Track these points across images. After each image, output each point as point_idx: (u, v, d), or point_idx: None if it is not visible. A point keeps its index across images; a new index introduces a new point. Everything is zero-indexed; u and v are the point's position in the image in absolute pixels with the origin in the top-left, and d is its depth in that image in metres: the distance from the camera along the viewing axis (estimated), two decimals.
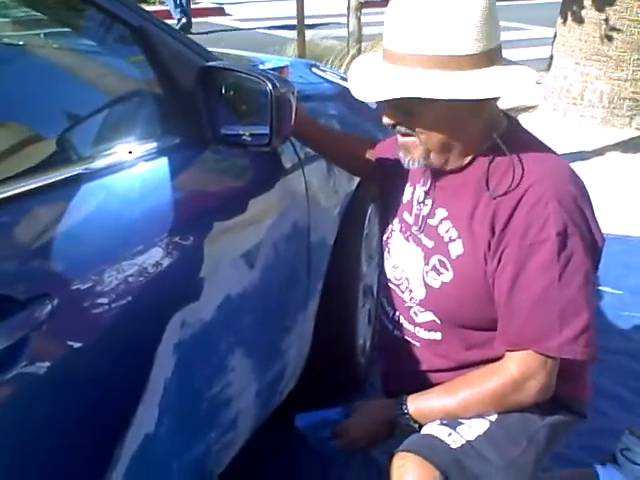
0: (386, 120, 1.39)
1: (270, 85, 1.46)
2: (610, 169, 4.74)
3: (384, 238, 1.62)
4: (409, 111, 1.35)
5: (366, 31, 6.11)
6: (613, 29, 5.58)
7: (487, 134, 1.39)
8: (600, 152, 5.14)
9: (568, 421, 1.50)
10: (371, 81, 1.36)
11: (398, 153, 1.44)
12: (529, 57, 6.03)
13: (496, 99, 1.38)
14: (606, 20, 5.58)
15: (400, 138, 1.40)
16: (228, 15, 12.38)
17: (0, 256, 1.04)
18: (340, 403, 1.55)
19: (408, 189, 1.58)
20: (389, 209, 1.64)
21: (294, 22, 5.84)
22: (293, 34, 6.49)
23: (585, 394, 1.56)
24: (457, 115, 1.35)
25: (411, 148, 1.39)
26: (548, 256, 1.31)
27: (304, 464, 2.07)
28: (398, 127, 1.38)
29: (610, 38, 5.61)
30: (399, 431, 1.44)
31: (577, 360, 1.35)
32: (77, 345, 1.11)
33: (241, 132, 1.53)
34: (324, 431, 1.49)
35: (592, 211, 1.38)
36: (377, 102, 1.39)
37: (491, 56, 1.32)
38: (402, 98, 1.30)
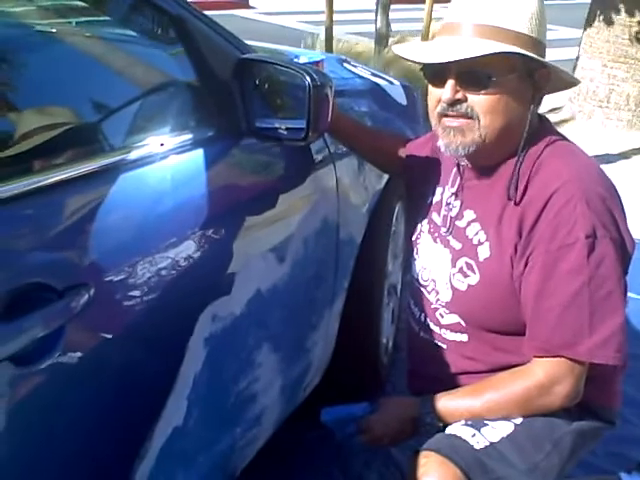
0: (449, 95, 1.31)
1: (309, 79, 1.44)
2: (635, 173, 4.69)
3: (413, 238, 1.61)
4: (484, 83, 1.30)
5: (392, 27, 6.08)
6: None
7: (524, 131, 1.37)
8: (625, 155, 5.09)
9: (596, 428, 1.48)
10: (455, 44, 1.30)
11: (440, 140, 1.38)
12: (555, 58, 5.95)
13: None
14: (635, 22, 5.52)
15: (453, 121, 1.34)
16: (252, 8, 12.37)
17: (38, 245, 1.04)
18: (364, 399, 1.54)
19: (437, 190, 1.56)
20: (418, 209, 1.62)
21: (320, 17, 5.81)
22: (318, 29, 6.47)
23: (614, 401, 1.53)
24: (522, 98, 1.33)
25: (467, 131, 1.33)
26: (577, 259, 1.28)
27: (325, 461, 2.06)
28: (459, 106, 1.32)
29: (638, 41, 5.55)
30: (423, 429, 1.43)
31: (607, 366, 1.33)
32: (111, 335, 1.10)
33: (276, 125, 1.51)
34: (349, 426, 1.49)
35: (622, 213, 1.35)
36: (444, 77, 1.32)
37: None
38: (481, 69, 1.28)
